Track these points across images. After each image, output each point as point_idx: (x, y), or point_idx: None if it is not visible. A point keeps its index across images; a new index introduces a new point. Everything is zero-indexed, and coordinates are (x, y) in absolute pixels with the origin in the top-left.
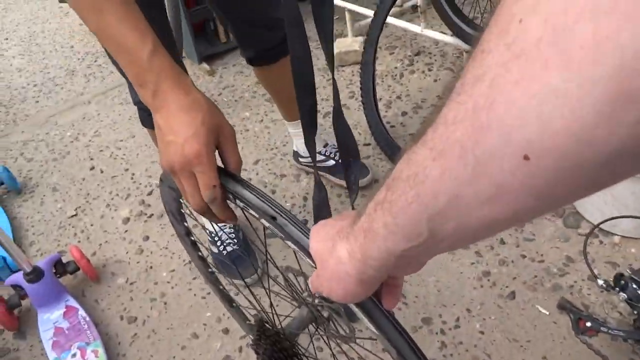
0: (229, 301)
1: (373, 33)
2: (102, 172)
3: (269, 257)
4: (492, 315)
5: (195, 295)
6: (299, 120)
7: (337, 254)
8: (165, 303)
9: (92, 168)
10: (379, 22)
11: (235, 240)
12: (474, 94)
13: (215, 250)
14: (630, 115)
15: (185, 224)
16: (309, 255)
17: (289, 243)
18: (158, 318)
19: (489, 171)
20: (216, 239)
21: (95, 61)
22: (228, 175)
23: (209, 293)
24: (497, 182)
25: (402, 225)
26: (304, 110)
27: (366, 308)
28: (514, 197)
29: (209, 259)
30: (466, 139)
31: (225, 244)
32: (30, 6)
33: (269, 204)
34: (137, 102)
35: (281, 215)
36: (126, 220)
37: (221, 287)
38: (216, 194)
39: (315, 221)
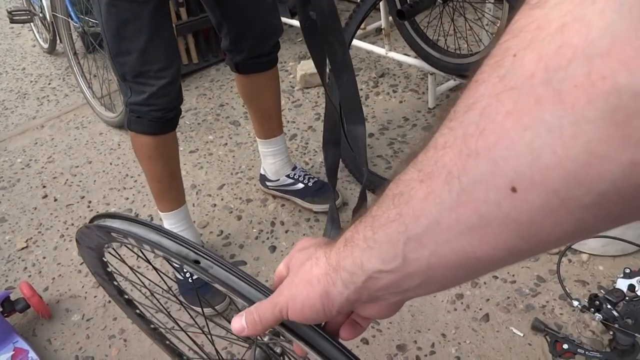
0: (179, 355)
1: None
2: (55, 200)
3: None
4: (467, 339)
5: None
6: (273, 139)
7: (315, 257)
8: (125, 340)
9: (45, 196)
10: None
11: None
12: (464, 121)
13: (180, 277)
14: (624, 156)
15: (115, 283)
16: (243, 297)
17: (218, 286)
18: (117, 357)
19: (474, 199)
20: (179, 266)
21: (49, 84)
22: (128, 221)
23: (172, 327)
24: (481, 212)
25: (379, 242)
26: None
27: (314, 340)
28: (495, 231)
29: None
30: (454, 164)
31: (189, 273)
32: None
33: (189, 247)
34: (134, 104)
35: (205, 258)
36: None
37: (167, 342)
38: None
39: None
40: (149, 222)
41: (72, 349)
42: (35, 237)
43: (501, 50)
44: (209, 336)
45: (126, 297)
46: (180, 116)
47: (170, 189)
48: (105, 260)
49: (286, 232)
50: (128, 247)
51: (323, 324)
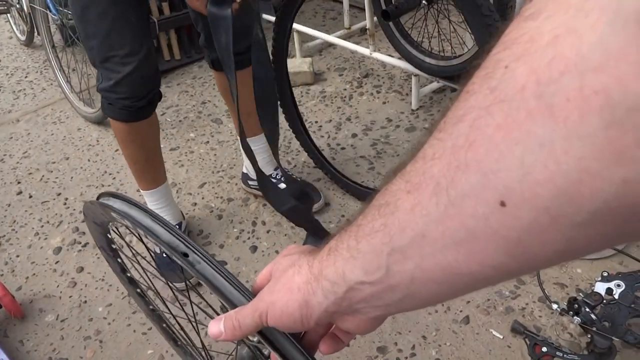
0: (173, 340)
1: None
2: (30, 197)
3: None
4: (447, 341)
5: (134, 331)
6: (253, 137)
7: (299, 265)
8: (100, 341)
9: (20, 192)
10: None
11: None
12: (454, 133)
13: (158, 250)
14: (616, 174)
15: (119, 260)
16: (225, 299)
17: (202, 283)
18: (92, 359)
19: (462, 213)
20: None
21: (26, 77)
22: (128, 202)
23: (150, 328)
24: (468, 226)
25: (363, 252)
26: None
27: (289, 352)
28: (482, 247)
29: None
30: (442, 176)
31: None
32: None
33: (181, 239)
34: (103, 90)
35: (194, 252)
36: (57, 250)
37: (164, 324)
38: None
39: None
40: (149, 208)
41: (45, 351)
42: (9, 234)
43: (492, 62)
44: (194, 324)
45: (128, 275)
46: (158, 103)
47: (147, 171)
48: (110, 237)
49: (267, 232)
50: (129, 229)
51: (302, 334)
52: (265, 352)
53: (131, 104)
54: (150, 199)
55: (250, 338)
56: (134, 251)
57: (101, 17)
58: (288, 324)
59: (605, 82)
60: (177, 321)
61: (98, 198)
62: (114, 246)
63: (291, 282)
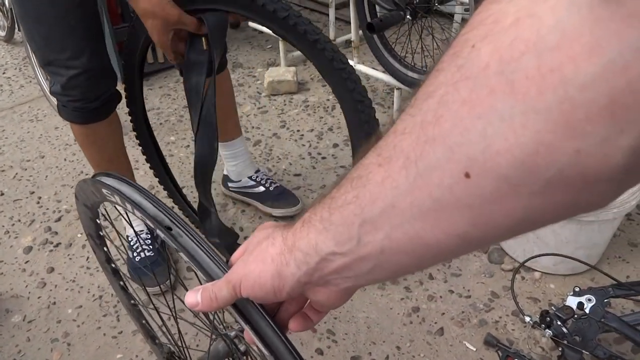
0: (152, 337)
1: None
2: (2, 194)
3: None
4: (421, 352)
5: (104, 334)
6: (231, 141)
7: (273, 237)
8: (68, 344)
9: None
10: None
11: (152, 246)
12: (423, 108)
13: (131, 255)
14: (569, 145)
15: (105, 249)
16: (204, 272)
17: (183, 256)
18: None
19: (429, 183)
20: (132, 243)
21: (4, 73)
22: (119, 180)
23: (120, 332)
24: (435, 197)
25: (335, 223)
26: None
27: (259, 324)
28: (448, 216)
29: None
30: (411, 149)
31: (140, 250)
32: None
33: (166, 214)
34: (54, 93)
35: (177, 226)
36: (28, 250)
37: (144, 321)
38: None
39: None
40: (138, 185)
41: (10, 352)
42: None
43: (461, 42)
44: (171, 319)
45: (113, 266)
46: (117, 104)
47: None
48: (99, 222)
49: (245, 238)
50: (115, 208)
51: (275, 313)
52: (242, 348)
53: (83, 105)
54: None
55: (228, 333)
56: (120, 236)
57: (39, 22)
58: (260, 295)
59: (560, 61)
60: (159, 314)
61: (93, 177)
62: (101, 233)
63: (265, 253)
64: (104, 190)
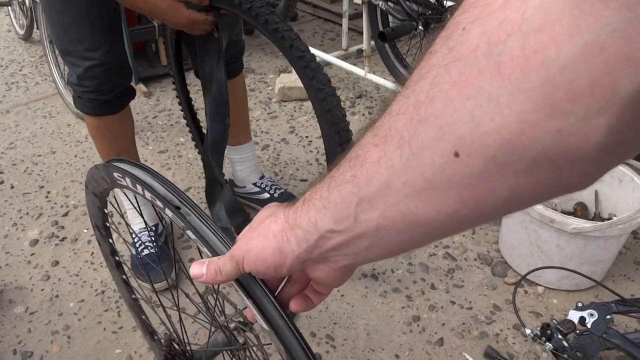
0: (150, 333)
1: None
2: (12, 187)
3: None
4: None
5: (105, 329)
6: (239, 146)
7: (275, 215)
8: (68, 337)
9: (1, 182)
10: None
11: (154, 244)
12: (416, 90)
13: (133, 252)
14: (551, 124)
15: (111, 240)
16: (209, 248)
17: (190, 233)
18: (58, 354)
19: (421, 163)
20: (136, 240)
21: (21, 70)
22: (131, 164)
23: (120, 327)
24: (426, 176)
25: (334, 202)
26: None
27: (260, 300)
28: (439, 194)
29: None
30: (405, 130)
31: (143, 247)
32: None
33: (175, 194)
34: (70, 83)
35: (186, 206)
36: (34, 242)
37: (144, 316)
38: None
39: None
40: (149, 167)
41: (10, 342)
42: None
43: (453, 24)
44: (168, 313)
45: (117, 258)
46: (130, 100)
47: None
48: (106, 212)
49: None
50: (124, 193)
51: (277, 292)
52: (240, 340)
53: (96, 97)
54: (125, 197)
55: (228, 322)
56: (127, 224)
57: (61, 13)
58: (262, 270)
59: (543, 42)
60: (163, 308)
61: (105, 163)
62: (108, 224)
63: (267, 230)
64: (115, 174)
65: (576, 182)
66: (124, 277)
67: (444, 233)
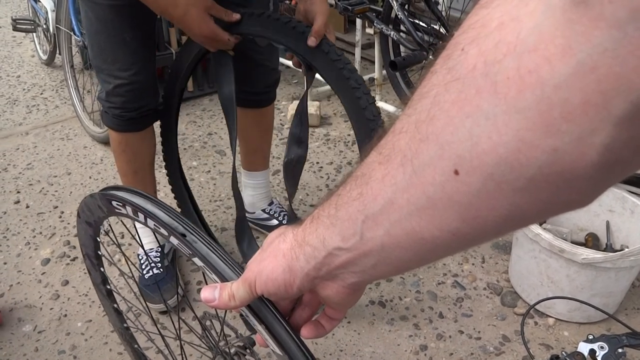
0: None
1: None
2: (27, 207)
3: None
4: None
5: (110, 350)
6: (254, 172)
7: (284, 234)
8: (74, 357)
9: (17, 202)
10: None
11: (159, 265)
12: (418, 108)
13: (140, 274)
14: (547, 143)
15: (102, 269)
16: (218, 274)
17: (197, 260)
18: None
19: (423, 181)
20: (142, 261)
21: (42, 93)
22: (130, 191)
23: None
24: (428, 193)
25: (341, 219)
26: None
27: (273, 325)
28: (440, 213)
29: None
30: (408, 148)
31: (149, 268)
32: None
33: (181, 222)
34: (100, 99)
35: (191, 233)
36: (46, 262)
37: (136, 345)
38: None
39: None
40: (149, 195)
41: None
42: (0, 241)
43: (452, 45)
44: (179, 338)
45: (108, 287)
46: (154, 122)
47: (135, 185)
48: (99, 240)
49: None
50: (122, 222)
51: (288, 317)
52: None
53: (121, 113)
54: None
55: (229, 349)
56: (121, 251)
57: (98, 33)
58: (273, 290)
59: (537, 62)
60: (162, 336)
61: (101, 191)
62: (99, 252)
63: (277, 250)
64: (114, 203)
65: (575, 200)
66: (115, 305)
67: (448, 251)
